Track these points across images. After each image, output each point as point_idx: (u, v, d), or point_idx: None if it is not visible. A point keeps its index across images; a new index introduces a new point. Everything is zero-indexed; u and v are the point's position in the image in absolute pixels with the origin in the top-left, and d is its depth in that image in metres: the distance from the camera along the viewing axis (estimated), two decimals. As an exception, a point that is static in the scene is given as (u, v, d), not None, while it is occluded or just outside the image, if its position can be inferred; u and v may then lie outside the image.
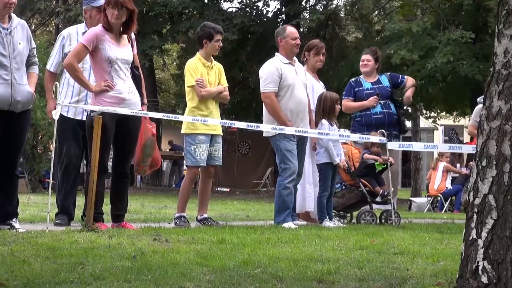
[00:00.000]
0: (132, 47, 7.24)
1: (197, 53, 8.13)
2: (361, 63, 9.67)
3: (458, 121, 34.01)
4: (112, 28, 6.96)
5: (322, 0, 25.98)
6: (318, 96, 8.77)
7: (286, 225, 7.70)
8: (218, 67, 8.15)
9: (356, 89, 9.56)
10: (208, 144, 7.87)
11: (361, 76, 9.70)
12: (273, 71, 8.19)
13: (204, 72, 7.96)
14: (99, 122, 6.68)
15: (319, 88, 9.03)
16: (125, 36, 7.10)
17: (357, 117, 9.54)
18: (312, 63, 9.10)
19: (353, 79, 9.87)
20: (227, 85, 8.21)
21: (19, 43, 6.65)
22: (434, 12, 21.16)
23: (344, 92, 9.74)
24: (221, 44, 8.14)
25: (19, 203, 7.01)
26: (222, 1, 25.28)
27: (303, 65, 9.08)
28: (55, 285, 3.80)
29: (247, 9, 24.63)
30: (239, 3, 24.92)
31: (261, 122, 8.90)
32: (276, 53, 8.44)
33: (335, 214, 8.92)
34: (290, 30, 8.48)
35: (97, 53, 6.92)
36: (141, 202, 13.05)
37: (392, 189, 8.86)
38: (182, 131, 7.98)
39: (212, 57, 8.12)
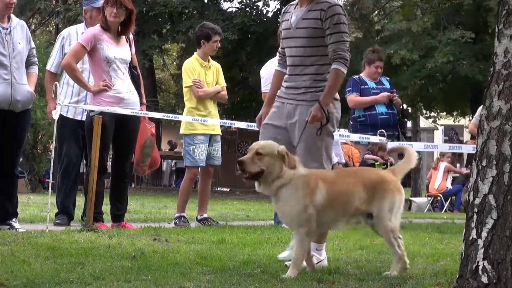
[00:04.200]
0: (130, 46, 7.24)
1: (195, 53, 8.13)
2: (376, 69, 9.33)
3: (458, 121, 34.01)
4: (110, 27, 6.96)
5: (322, 0, 25.92)
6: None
7: (286, 225, 7.69)
8: (215, 66, 8.14)
9: (362, 86, 9.37)
10: (207, 144, 7.87)
11: (362, 75, 9.54)
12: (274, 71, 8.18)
13: (202, 72, 7.96)
14: (98, 122, 6.68)
15: None
16: (123, 36, 7.11)
17: (360, 117, 9.32)
18: None
19: (355, 76, 9.60)
20: (225, 85, 8.21)
21: (19, 43, 6.66)
22: (434, 12, 21.16)
23: (349, 88, 9.32)
24: (219, 45, 8.13)
25: (18, 203, 7.02)
26: (222, 1, 25.26)
27: None
28: (55, 285, 3.80)
29: (247, 9, 24.61)
30: (239, 3, 24.91)
31: (261, 122, 8.88)
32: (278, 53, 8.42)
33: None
34: None
35: (95, 53, 6.92)
36: (141, 202, 13.04)
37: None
38: (181, 132, 7.98)
39: (209, 57, 8.11)
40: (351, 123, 9.60)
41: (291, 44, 4.89)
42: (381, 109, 9.27)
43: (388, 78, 9.82)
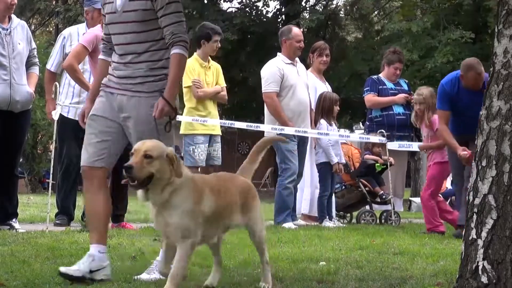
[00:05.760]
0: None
1: (195, 53, 8.14)
2: (395, 71, 9.39)
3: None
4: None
5: (322, 0, 25.98)
6: (318, 96, 8.78)
7: (286, 225, 7.70)
8: (215, 67, 8.15)
9: (380, 86, 9.35)
10: (207, 144, 7.88)
11: (380, 75, 9.51)
12: (275, 71, 8.19)
13: (201, 73, 7.97)
14: (99, 122, 6.67)
15: (322, 89, 8.98)
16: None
17: (377, 117, 9.24)
18: (316, 65, 9.09)
19: (374, 76, 9.58)
20: (225, 85, 8.22)
21: (19, 44, 6.67)
22: (434, 12, 21.19)
23: (367, 87, 9.38)
24: (219, 45, 8.14)
25: (18, 203, 7.02)
26: (221, 1, 25.28)
27: (309, 67, 9.08)
28: (55, 285, 3.80)
29: (247, 9, 24.65)
30: (239, 3, 24.94)
31: (261, 122, 8.91)
32: (278, 53, 8.44)
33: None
34: (296, 32, 8.46)
35: (97, 54, 6.89)
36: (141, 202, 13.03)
37: (391, 191, 8.86)
38: (181, 132, 7.98)
39: (209, 57, 8.11)
40: (367, 123, 9.56)
41: (119, 31, 4.22)
42: (398, 109, 9.22)
43: (406, 80, 9.84)
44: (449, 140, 7.27)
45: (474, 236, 3.41)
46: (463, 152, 7.06)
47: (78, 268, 3.95)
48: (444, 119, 7.31)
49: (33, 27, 27.60)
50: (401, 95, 9.22)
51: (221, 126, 8.28)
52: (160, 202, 3.57)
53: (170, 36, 4.09)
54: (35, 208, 10.15)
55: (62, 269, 3.91)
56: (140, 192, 3.60)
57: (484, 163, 3.43)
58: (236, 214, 3.81)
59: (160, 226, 3.65)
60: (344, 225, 8.56)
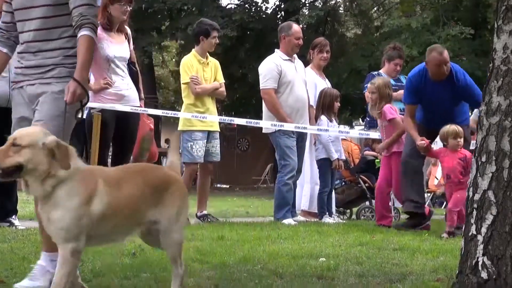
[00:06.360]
0: (129, 43, 7.23)
1: (193, 49, 8.14)
2: (395, 67, 9.39)
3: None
4: (112, 26, 6.95)
5: (321, -3, 25.98)
6: (318, 92, 8.77)
7: (285, 221, 7.70)
8: (214, 63, 8.15)
9: None
10: (205, 141, 7.88)
11: (381, 71, 9.49)
12: (273, 67, 8.18)
13: (200, 69, 7.97)
14: (98, 119, 6.68)
15: (322, 85, 8.97)
16: (122, 33, 7.10)
17: None
18: (317, 61, 9.08)
19: (374, 72, 9.56)
20: (223, 81, 8.22)
21: (18, 40, 6.65)
22: (433, 8, 21.18)
23: (367, 84, 9.38)
24: (217, 41, 8.14)
25: (18, 200, 7.02)
26: (221, -2, 25.28)
27: (309, 63, 9.06)
28: (55, 282, 3.79)
29: (246, 5, 24.63)
30: (238, -1, 24.94)
31: (260, 118, 8.90)
32: (276, 50, 8.43)
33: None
34: (296, 29, 8.45)
35: (96, 52, 6.89)
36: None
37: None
38: (179, 128, 7.99)
39: (208, 54, 8.11)
40: (368, 119, 9.54)
41: (28, 17, 3.94)
42: (398, 105, 9.21)
43: (406, 76, 9.80)
44: (410, 131, 7.26)
45: (474, 232, 3.41)
46: (420, 142, 7.04)
47: (39, 284, 3.68)
48: (409, 112, 7.33)
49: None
50: (401, 92, 9.19)
51: (220, 123, 8.28)
52: (41, 195, 3.21)
53: (78, 18, 3.82)
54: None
55: (18, 285, 3.62)
56: (23, 185, 3.25)
57: (483, 159, 3.43)
58: (148, 209, 3.35)
59: (44, 224, 3.28)
60: (344, 221, 8.57)
